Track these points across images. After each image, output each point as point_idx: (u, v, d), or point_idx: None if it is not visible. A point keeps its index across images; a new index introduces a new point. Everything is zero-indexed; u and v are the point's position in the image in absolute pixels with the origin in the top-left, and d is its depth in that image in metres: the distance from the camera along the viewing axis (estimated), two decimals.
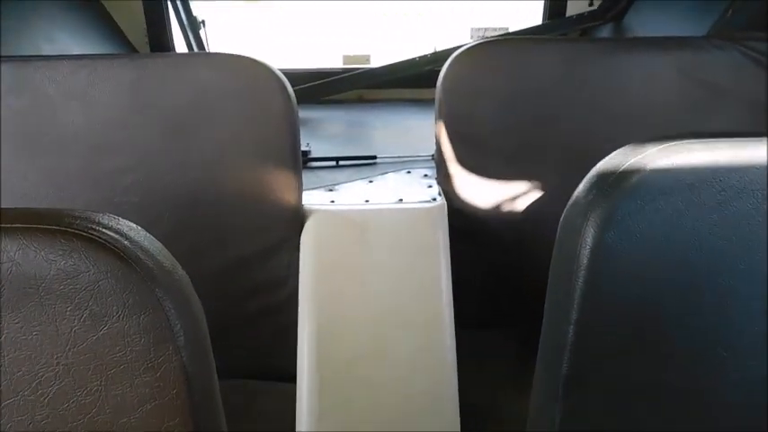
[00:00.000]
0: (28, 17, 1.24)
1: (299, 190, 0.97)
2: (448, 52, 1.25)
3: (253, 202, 0.94)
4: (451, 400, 0.95)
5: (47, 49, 1.24)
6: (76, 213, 0.44)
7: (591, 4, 1.65)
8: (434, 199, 1.05)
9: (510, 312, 1.11)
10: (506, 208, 1.05)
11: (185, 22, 1.62)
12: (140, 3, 1.55)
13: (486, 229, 1.07)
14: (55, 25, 1.32)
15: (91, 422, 0.44)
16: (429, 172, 1.19)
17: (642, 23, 1.50)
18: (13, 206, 0.45)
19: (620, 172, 0.47)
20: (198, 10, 1.66)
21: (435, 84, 1.02)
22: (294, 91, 0.92)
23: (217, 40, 1.72)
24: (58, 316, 0.42)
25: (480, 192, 1.05)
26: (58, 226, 0.42)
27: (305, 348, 0.95)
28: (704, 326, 0.48)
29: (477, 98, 1.01)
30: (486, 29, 1.80)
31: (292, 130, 0.92)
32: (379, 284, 0.98)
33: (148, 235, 0.46)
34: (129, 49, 1.57)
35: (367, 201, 1.05)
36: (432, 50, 1.60)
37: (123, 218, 0.46)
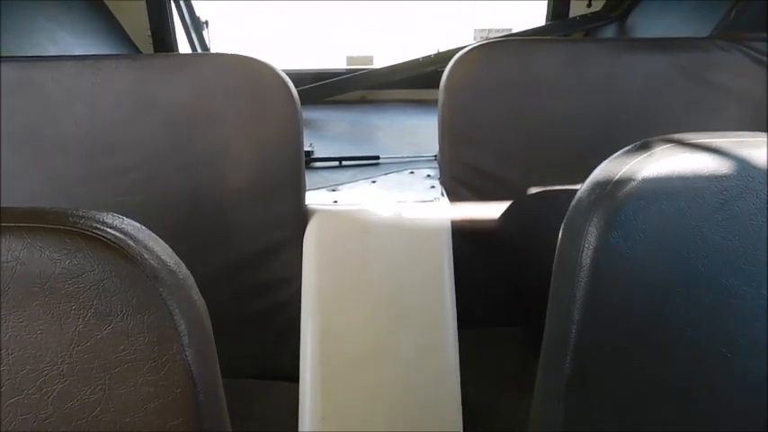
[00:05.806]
0: (31, 17, 1.24)
1: (302, 190, 0.97)
2: (451, 53, 1.25)
3: (256, 202, 0.94)
4: (453, 399, 0.95)
5: (50, 50, 1.24)
6: (81, 213, 0.44)
7: (593, 5, 1.65)
8: (437, 199, 1.05)
9: (512, 312, 1.11)
10: (509, 208, 1.05)
11: (188, 22, 1.62)
12: (144, 3, 1.55)
13: (488, 229, 1.07)
14: (58, 25, 1.32)
15: (95, 421, 0.44)
16: (432, 172, 1.19)
17: (645, 24, 1.50)
18: (17, 205, 0.45)
19: (624, 172, 0.47)
20: (201, 10, 1.67)
21: (438, 84, 1.02)
22: (297, 91, 0.92)
23: (220, 41, 1.72)
24: (63, 315, 0.42)
25: (483, 192, 1.05)
26: (63, 225, 0.42)
27: (308, 348, 0.95)
28: (707, 325, 0.48)
29: (480, 99, 1.01)
30: (489, 30, 1.81)
31: (295, 131, 0.92)
32: (381, 284, 0.98)
33: (152, 234, 0.46)
34: (133, 49, 1.58)
35: (370, 201, 1.05)
36: (435, 51, 1.60)
37: (127, 217, 0.46)
